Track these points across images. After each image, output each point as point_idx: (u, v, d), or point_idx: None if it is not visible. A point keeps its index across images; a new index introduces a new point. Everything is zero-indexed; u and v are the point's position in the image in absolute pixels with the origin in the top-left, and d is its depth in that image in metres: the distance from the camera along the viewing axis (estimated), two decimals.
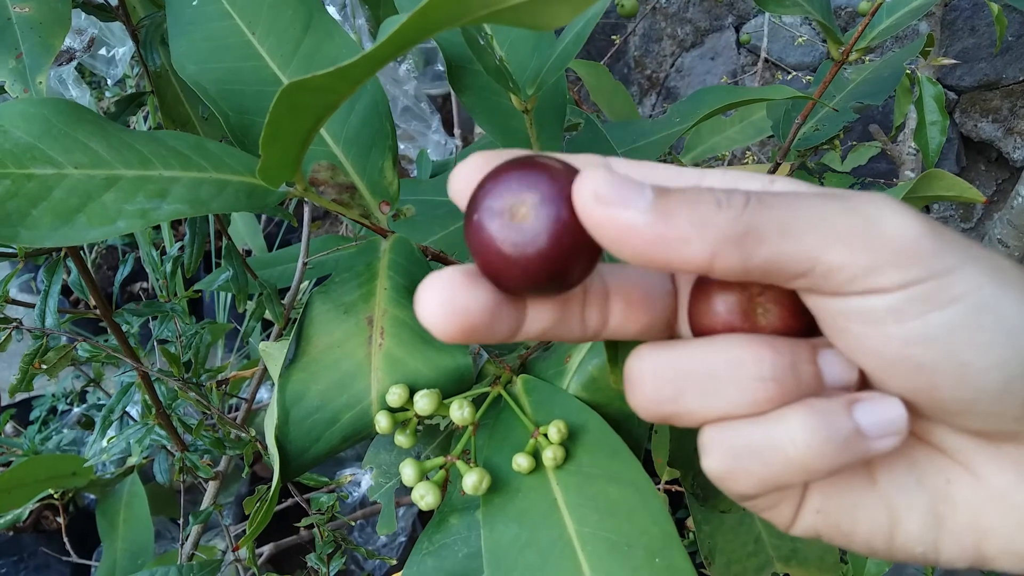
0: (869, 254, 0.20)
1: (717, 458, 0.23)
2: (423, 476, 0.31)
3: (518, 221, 0.22)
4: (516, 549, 0.28)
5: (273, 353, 0.41)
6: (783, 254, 0.21)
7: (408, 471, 0.30)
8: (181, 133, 0.39)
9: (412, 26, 0.24)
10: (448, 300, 0.22)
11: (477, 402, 0.33)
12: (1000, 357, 0.20)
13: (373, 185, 0.43)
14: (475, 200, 0.23)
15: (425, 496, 0.29)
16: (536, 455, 0.30)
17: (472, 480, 0.29)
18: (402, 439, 0.33)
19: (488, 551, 0.29)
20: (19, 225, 0.30)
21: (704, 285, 0.24)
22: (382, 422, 0.32)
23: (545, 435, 0.31)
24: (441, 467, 0.31)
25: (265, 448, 0.70)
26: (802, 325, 0.23)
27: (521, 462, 0.30)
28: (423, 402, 0.31)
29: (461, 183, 0.24)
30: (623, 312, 0.26)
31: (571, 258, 0.22)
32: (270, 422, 0.36)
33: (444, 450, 0.40)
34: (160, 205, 0.33)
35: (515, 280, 0.22)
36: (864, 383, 0.23)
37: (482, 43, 0.39)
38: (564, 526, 0.29)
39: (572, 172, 0.22)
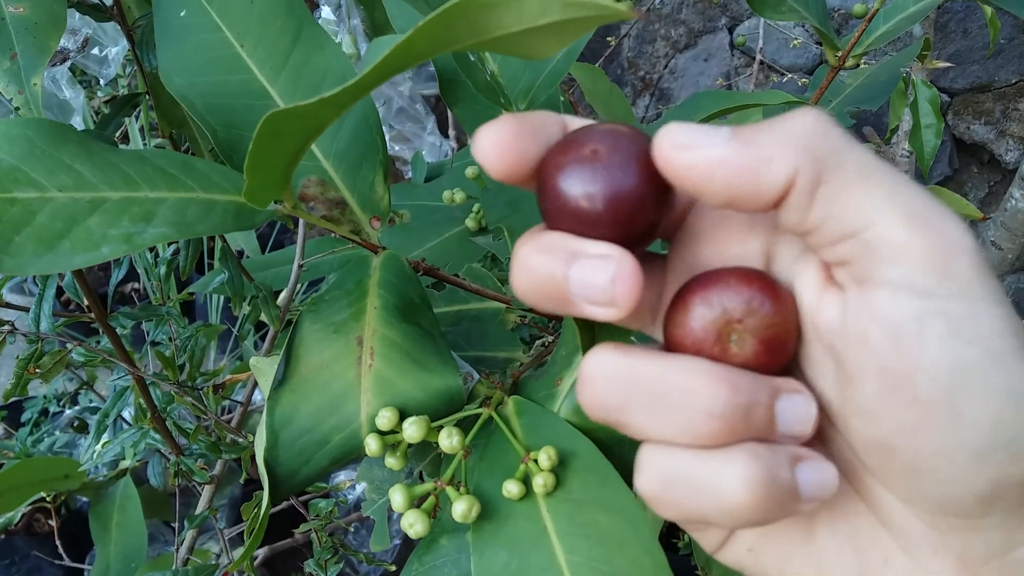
0: (923, 239, 0.20)
1: (648, 480, 0.22)
2: (412, 502, 0.31)
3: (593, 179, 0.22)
4: None
5: (264, 368, 0.41)
6: (849, 199, 0.20)
7: (398, 498, 0.30)
8: (168, 152, 0.39)
9: (399, 54, 0.24)
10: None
11: (468, 424, 0.33)
12: (995, 420, 0.19)
13: (364, 200, 0.42)
14: (556, 163, 0.23)
15: (414, 525, 0.29)
16: (527, 481, 0.30)
17: (462, 508, 0.29)
18: (392, 461, 0.33)
19: None
20: (2, 253, 0.29)
21: (686, 292, 0.23)
22: (372, 445, 0.32)
23: (535, 461, 0.30)
24: (431, 493, 0.31)
25: None
26: (773, 362, 0.22)
27: (511, 489, 0.30)
28: (412, 429, 0.31)
29: (488, 143, 0.24)
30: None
31: (641, 213, 0.22)
32: (260, 442, 0.35)
33: (438, 466, 0.40)
34: (145, 229, 0.32)
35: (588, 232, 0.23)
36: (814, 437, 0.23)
37: (472, 59, 0.39)
38: (554, 554, 0.28)
39: (640, 134, 0.23)
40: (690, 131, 0.21)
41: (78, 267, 0.30)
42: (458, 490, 0.31)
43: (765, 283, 0.22)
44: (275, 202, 0.37)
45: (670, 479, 0.22)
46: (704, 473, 0.21)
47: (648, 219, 0.23)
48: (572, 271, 0.22)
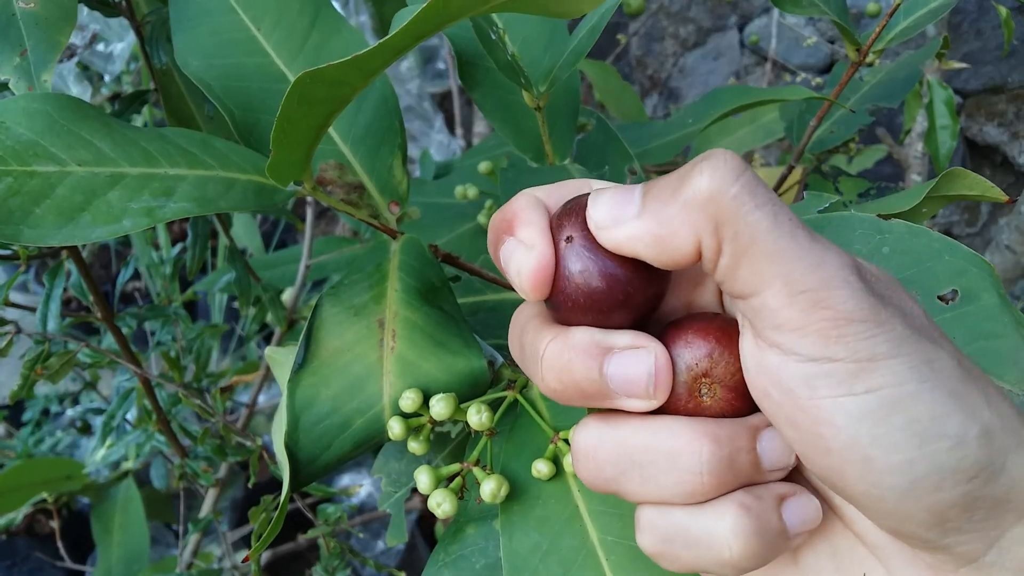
0: (803, 312, 0.20)
1: (649, 539, 0.23)
2: (439, 483, 0.30)
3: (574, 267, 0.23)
4: (537, 558, 0.27)
5: (280, 359, 0.40)
6: (741, 265, 0.21)
7: (424, 478, 0.29)
8: (187, 130, 0.38)
9: (431, 13, 0.23)
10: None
11: (492, 407, 0.32)
12: (905, 460, 0.20)
13: (382, 184, 0.42)
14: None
15: (442, 504, 0.28)
16: (556, 461, 0.29)
17: (490, 487, 0.28)
18: (415, 446, 0.32)
19: (507, 560, 0.28)
20: (22, 223, 0.29)
21: None
22: (395, 428, 0.31)
23: (565, 440, 0.30)
24: (457, 474, 0.30)
25: (270, 456, 0.69)
26: (746, 404, 0.23)
27: (541, 468, 0.29)
28: (439, 406, 0.30)
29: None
30: None
31: (618, 289, 0.23)
32: (278, 429, 0.35)
33: (455, 459, 0.39)
34: (166, 203, 0.32)
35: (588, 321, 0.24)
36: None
37: (494, 38, 0.38)
38: (587, 534, 0.28)
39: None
40: (606, 206, 0.22)
41: (100, 239, 0.29)
42: (484, 471, 0.30)
43: (722, 332, 0.23)
44: (294, 184, 0.37)
45: (669, 537, 0.23)
46: (699, 530, 0.22)
47: (645, 289, 0.23)
48: (610, 368, 0.23)
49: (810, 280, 0.20)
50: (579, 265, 0.23)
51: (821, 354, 0.20)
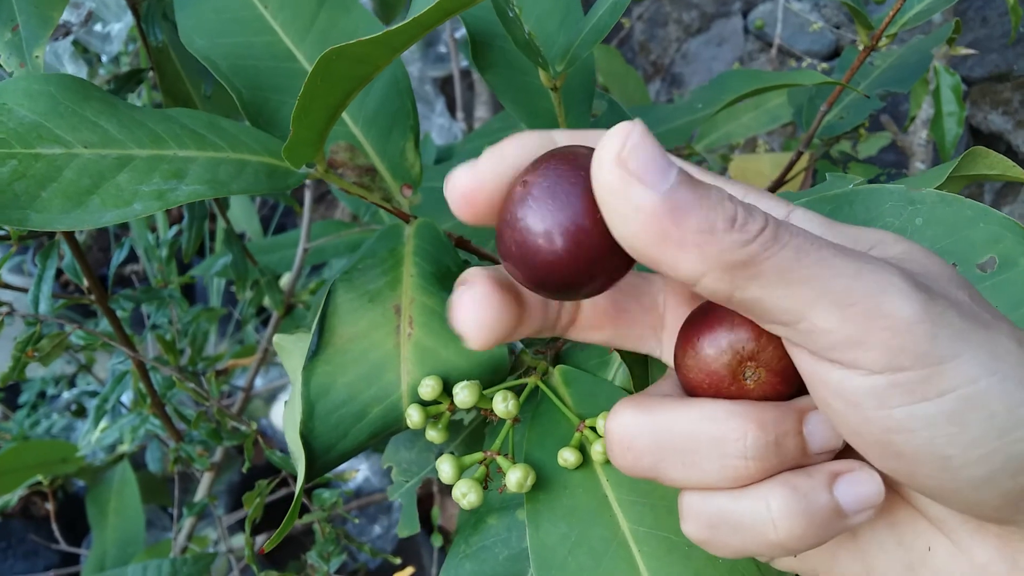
0: (859, 326, 0.19)
1: (695, 526, 0.23)
2: (462, 473, 0.29)
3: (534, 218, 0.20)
4: (565, 549, 0.27)
5: (288, 347, 0.39)
6: (771, 299, 0.19)
7: (446, 468, 0.29)
8: (192, 111, 0.37)
9: None
10: (479, 317, 0.23)
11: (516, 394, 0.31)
12: (984, 453, 0.19)
13: (394, 167, 0.41)
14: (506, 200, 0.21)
15: (468, 494, 0.28)
16: (583, 449, 0.29)
17: (516, 476, 0.28)
18: (434, 434, 0.32)
19: (535, 552, 0.27)
20: (28, 208, 0.28)
21: (692, 333, 0.23)
22: (414, 416, 0.31)
23: (592, 428, 0.29)
24: (481, 463, 0.29)
25: (266, 440, 0.68)
26: (789, 388, 0.22)
27: (568, 457, 0.28)
28: (463, 394, 0.29)
29: (456, 192, 0.23)
30: (590, 318, 0.26)
31: (588, 261, 0.20)
32: (291, 418, 0.34)
33: (469, 447, 0.39)
34: (178, 186, 0.31)
35: (538, 281, 0.21)
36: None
37: (511, 15, 0.37)
38: (617, 524, 0.27)
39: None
40: (640, 152, 0.19)
41: (110, 223, 0.28)
42: (508, 460, 0.29)
43: None
44: (306, 166, 0.36)
45: (715, 522, 0.22)
46: (746, 510, 0.22)
47: (604, 267, 0.21)
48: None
49: (856, 292, 0.19)
50: (522, 211, 0.20)
51: (887, 366, 0.19)
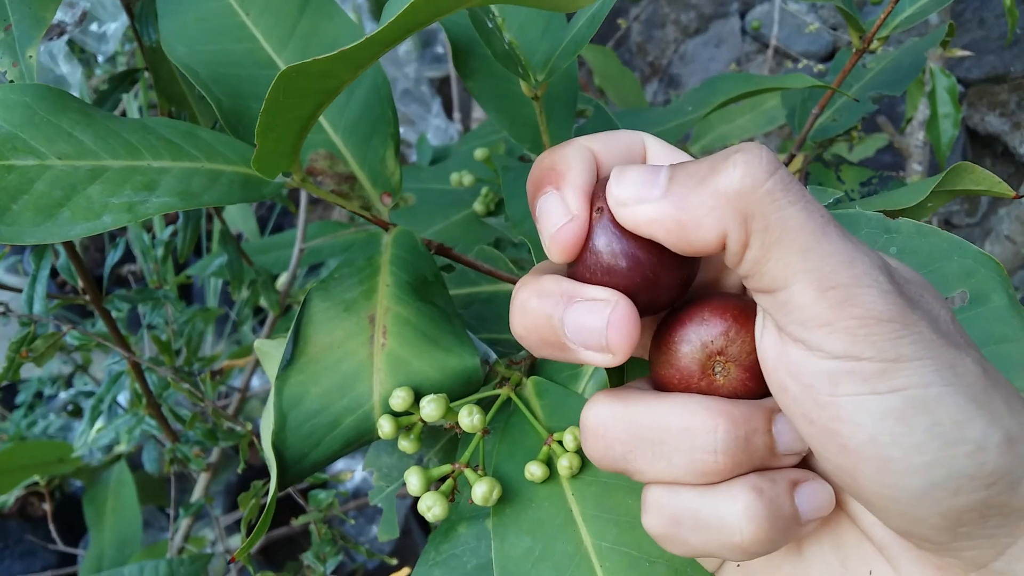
0: (832, 309, 0.20)
1: (656, 519, 0.23)
2: (429, 485, 0.29)
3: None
4: (529, 563, 0.27)
5: (269, 351, 0.39)
6: (769, 259, 0.20)
7: (414, 480, 0.29)
8: (172, 120, 0.37)
9: (421, 7, 0.22)
10: (633, 335, 0.23)
11: (485, 406, 0.31)
12: (926, 462, 0.20)
13: (374, 175, 0.41)
14: None
15: (432, 508, 0.28)
16: (550, 463, 0.29)
17: (482, 490, 0.28)
18: (406, 444, 0.32)
19: (499, 565, 0.27)
20: None
21: (665, 330, 0.24)
22: (385, 427, 0.31)
23: (560, 442, 0.29)
24: (448, 476, 0.29)
25: (260, 440, 0.68)
26: (759, 386, 0.23)
27: (534, 471, 0.28)
28: (429, 408, 0.29)
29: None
30: None
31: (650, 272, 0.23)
32: (266, 425, 0.34)
33: (448, 453, 0.39)
34: (148, 198, 0.31)
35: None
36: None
37: (490, 26, 0.37)
38: (580, 539, 0.27)
39: None
40: (629, 184, 0.22)
41: (78, 236, 0.28)
42: (476, 472, 0.29)
43: (740, 311, 0.23)
44: (283, 175, 0.36)
45: (678, 518, 0.22)
46: (709, 512, 0.22)
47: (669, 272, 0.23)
48: (567, 314, 0.23)
49: (841, 277, 0.20)
50: (604, 239, 0.23)
51: (847, 351, 0.20)
